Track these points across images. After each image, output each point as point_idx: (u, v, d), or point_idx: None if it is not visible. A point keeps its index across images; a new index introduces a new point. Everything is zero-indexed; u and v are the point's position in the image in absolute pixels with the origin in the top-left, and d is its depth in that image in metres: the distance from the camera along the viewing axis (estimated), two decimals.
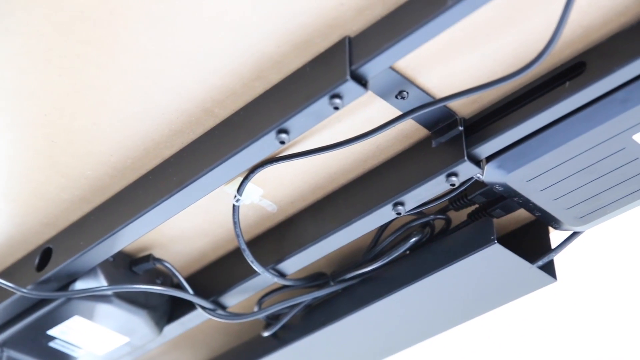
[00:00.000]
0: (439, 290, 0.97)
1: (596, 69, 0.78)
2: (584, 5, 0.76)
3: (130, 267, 1.03)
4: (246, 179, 0.90)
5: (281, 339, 1.08)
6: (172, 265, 1.02)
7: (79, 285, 1.00)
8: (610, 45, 0.78)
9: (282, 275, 0.99)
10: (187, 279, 1.05)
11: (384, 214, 0.90)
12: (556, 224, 0.92)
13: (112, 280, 1.01)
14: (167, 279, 1.05)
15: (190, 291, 1.02)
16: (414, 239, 0.96)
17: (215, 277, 1.05)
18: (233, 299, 1.03)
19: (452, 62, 0.81)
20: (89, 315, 1.03)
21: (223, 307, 1.04)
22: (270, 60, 0.81)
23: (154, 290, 1.02)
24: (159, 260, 1.02)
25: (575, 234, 0.94)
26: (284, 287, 1.03)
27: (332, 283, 1.02)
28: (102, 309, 1.02)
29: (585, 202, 0.89)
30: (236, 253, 1.03)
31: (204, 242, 1.04)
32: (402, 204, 0.89)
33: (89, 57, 0.82)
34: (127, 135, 0.90)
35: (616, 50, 0.78)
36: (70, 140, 0.90)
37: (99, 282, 1.00)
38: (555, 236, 0.96)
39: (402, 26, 0.74)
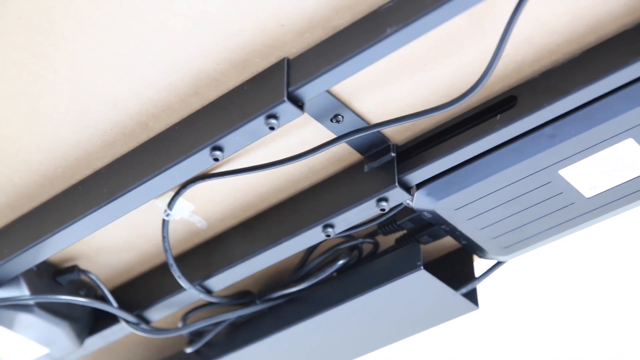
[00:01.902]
0: (364, 313, 0.98)
1: (527, 103, 0.80)
2: (518, 41, 0.78)
3: (54, 277, 1.01)
4: (177, 194, 0.90)
5: (204, 356, 1.07)
6: (97, 277, 1.01)
7: (0, 293, 0.98)
8: (541, 82, 0.80)
9: (208, 292, 0.99)
10: (112, 292, 1.04)
11: (313, 235, 0.91)
12: (481, 252, 0.94)
13: (34, 290, 0.99)
14: (92, 290, 1.04)
15: (114, 304, 1.01)
16: (341, 262, 0.97)
17: (141, 291, 1.04)
18: (157, 313, 1.02)
19: (388, 89, 0.82)
20: (9, 325, 1.01)
21: (147, 322, 1.03)
22: (208, 77, 0.82)
23: (77, 301, 1.01)
24: (84, 272, 1.01)
25: (498, 264, 0.96)
26: (210, 304, 1.03)
27: (257, 302, 1.02)
28: (23, 318, 1.01)
29: (511, 232, 0.90)
30: (163, 268, 1.03)
31: (131, 255, 1.03)
32: (332, 226, 0.90)
33: (24, 63, 0.81)
34: (59, 145, 0.89)
35: (547, 86, 0.80)
36: (0, 147, 0.89)
37: (21, 291, 0.99)
38: (480, 264, 0.98)
39: (340, 51, 0.75)
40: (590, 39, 0.78)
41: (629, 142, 0.80)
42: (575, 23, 0.77)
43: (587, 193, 0.86)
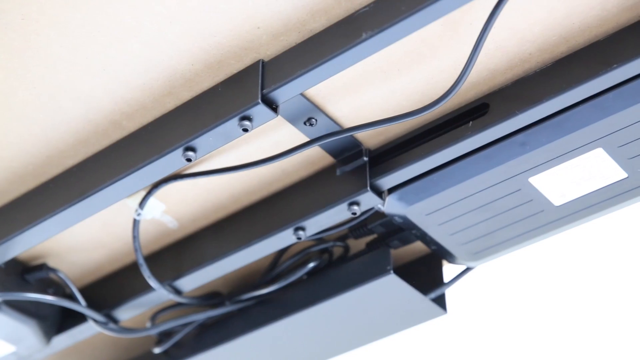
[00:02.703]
0: (334, 316, 0.98)
1: (499, 111, 0.81)
2: (492, 49, 0.79)
3: (23, 275, 1.01)
4: (149, 193, 0.90)
5: (172, 356, 1.07)
6: (65, 276, 1.00)
7: None
8: (513, 90, 0.81)
9: (178, 292, 0.99)
10: (81, 290, 1.04)
11: (284, 238, 0.91)
12: (450, 258, 0.95)
13: (1, 287, 0.99)
14: (60, 289, 1.03)
15: (83, 303, 1.01)
16: (312, 265, 0.97)
17: (110, 290, 1.04)
18: (126, 313, 1.02)
19: (362, 93, 0.83)
20: None
21: (115, 321, 1.03)
22: (182, 78, 0.82)
23: (45, 300, 1.00)
24: (53, 270, 1.00)
25: (467, 269, 0.97)
26: (179, 304, 1.03)
27: (227, 303, 1.02)
28: None
29: (480, 239, 0.91)
30: (133, 267, 1.02)
31: (101, 253, 1.02)
32: (303, 229, 0.90)
33: None
34: (31, 142, 0.88)
35: (519, 94, 0.80)
36: None
37: None
38: (449, 270, 0.99)
39: (316, 55, 0.75)
40: (563, 49, 0.79)
41: (599, 152, 0.81)
42: (547, 33, 0.78)
43: (557, 201, 0.87)
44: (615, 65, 0.75)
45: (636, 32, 0.75)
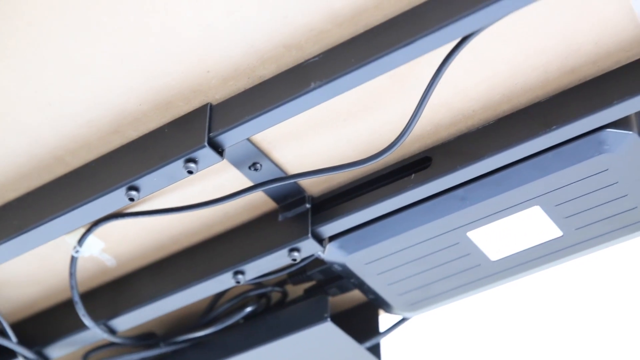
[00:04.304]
0: None
1: (441, 165, 0.82)
2: (436, 104, 0.81)
3: None
4: (89, 231, 0.89)
5: None
6: None
7: None
8: (456, 145, 0.83)
9: (112, 331, 0.98)
10: (13, 326, 1.02)
11: (223, 281, 0.91)
12: (387, 307, 0.96)
13: None
14: None
15: (14, 339, 0.99)
16: (249, 309, 0.97)
17: (43, 327, 1.02)
18: (58, 351, 1.00)
19: (308, 141, 0.84)
20: None
21: (46, 359, 1.01)
22: (129, 117, 0.82)
23: None
24: None
25: (403, 320, 0.98)
26: (113, 344, 1.01)
27: (162, 344, 1.01)
28: None
29: (417, 290, 0.92)
30: (68, 304, 1.01)
31: (35, 289, 1.01)
32: (242, 272, 0.90)
33: None
34: None
35: (461, 150, 0.82)
36: None
37: None
38: (385, 319, 0.99)
39: (264, 101, 0.76)
40: (505, 108, 0.81)
41: (536, 210, 0.83)
42: (491, 91, 0.80)
43: (493, 256, 0.88)
44: (555, 127, 0.77)
45: (576, 95, 0.78)
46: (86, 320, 0.94)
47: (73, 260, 0.91)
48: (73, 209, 0.83)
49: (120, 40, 0.75)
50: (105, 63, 0.77)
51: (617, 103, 0.75)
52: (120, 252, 0.96)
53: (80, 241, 0.90)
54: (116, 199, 0.82)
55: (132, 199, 0.81)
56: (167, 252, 0.97)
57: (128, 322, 0.97)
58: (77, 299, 0.93)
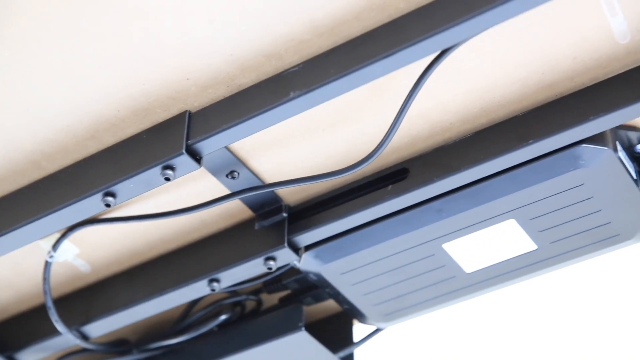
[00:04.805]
0: None
1: (418, 177, 0.83)
2: (414, 116, 0.81)
3: None
4: (64, 236, 0.89)
5: None
6: None
7: None
8: (433, 157, 0.83)
9: (85, 337, 0.97)
10: None
11: (198, 289, 0.91)
12: (362, 318, 0.96)
13: None
14: None
15: None
16: (223, 317, 0.97)
17: (15, 332, 1.01)
18: (30, 356, 1.00)
19: (286, 150, 0.84)
20: None
21: None
22: (107, 122, 0.81)
23: None
24: None
25: (377, 330, 0.98)
26: (85, 350, 1.01)
27: (135, 351, 1.00)
28: None
29: (392, 300, 0.92)
30: (40, 309, 1.00)
31: (8, 294, 1.00)
32: (217, 280, 0.90)
33: None
34: None
35: (438, 162, 0.82)
36: None
37: None
38: (359, 329, 0.99)
39: (242, 110, 0.76)
40: (483, 121, 0.82)
41: (511, 223, 0.84)
42: (469, 105, 0.80)
43: (468, 268, 0.89)
44: (531, 141, 0.78)
45: (553, 110, 0.79)
46: (59, 326, 0.94)
47: (47, 265, 0.91)
48: (48, 214, 0.82)
49: (99, 46, 0.75)
50: (84, 69, 0.77)
51: (593, 119, 0.76)
52: (95, 258, 0.96)
53: (55, 246, 0.89)
54: (92, 205, 0.81)
55: (108, 205, 0.81)
56: (142, 259, 0.97)
57: (101, 328, 0.96)
58: (50, 304, 0.92)
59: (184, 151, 0.77)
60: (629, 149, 0.82)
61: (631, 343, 1.19)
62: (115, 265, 0.97)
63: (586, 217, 0.83)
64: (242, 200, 0.88)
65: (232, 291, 0.96)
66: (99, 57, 0.76)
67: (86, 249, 0.95)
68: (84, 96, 0.79)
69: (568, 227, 0.84)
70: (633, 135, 0.82)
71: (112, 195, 0.80)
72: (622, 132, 0.81)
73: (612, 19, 0.72)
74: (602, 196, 0.81)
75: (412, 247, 0.87)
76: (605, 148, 0.78)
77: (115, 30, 0.74)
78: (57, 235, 0.89)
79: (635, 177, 0.81)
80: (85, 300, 0.98)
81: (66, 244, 0.92)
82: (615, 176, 0.80)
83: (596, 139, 0.78)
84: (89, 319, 0.95)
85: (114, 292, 0.97)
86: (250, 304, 0.99)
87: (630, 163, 0.81)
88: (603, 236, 0.85)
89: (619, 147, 0.79)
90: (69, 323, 0.95)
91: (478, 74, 0.77)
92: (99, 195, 0.80)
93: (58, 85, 0.78)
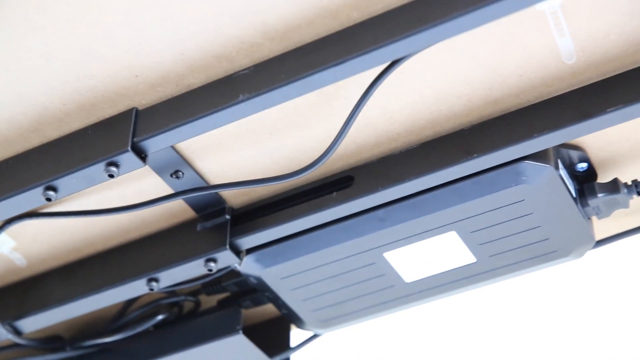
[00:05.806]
0: None
1: (363, 185, 0.83)
2: (362, 124, 0.81)
3: None
4: (1, 228, 0.87)
5: None
6: None
7: None
8: (379, 166, 0.84)
9: (17, 332, 0.95)
10: None
11: (136, 287, 0.90)
12: (300, 323, 0.96)
13: None
14: None
15: None
16: (160, 317, 0.96)
17: None
18: None
19: (231, 152, 0.84)
20: None
21: None
22: (52, 116, 0.80)
23: None
24: None
25: (315, 336, 0.98)
26: (17, 345, 0.99)
27: (68, 348, 0.99)
28: None
29: (330, 307, 0.93)
30: None
31: None
32: (156, 280, 0.89)
33: None
34: None
35: (383, 171, 0.83)
36: None
37: None
38: (296, 334, 1.00)
39: (191, 110, 0.76)
40: (429, 133, 0.82)
41: (452, 235, 0.85)
42: (416, 116, 0.81)
43: (407, 278, 0.89)
44: (475, 155, 0.79)
45: (498, 126, 0.80)
46: None
47: None
48: None
49: (47, 38, 0.74)
50: (30, 60, 0.76)
51: (537, 136, 0.77)
52: (32, 252, 0.95)
53: None
54: (32, 198, 0.80)
55: (49, 199, 0.80)
56: (80, 255, 0.95)
57: (35, 324, 0.94)
58: None
59: (129, 148, 0.76)
60: (570, 167, 0.84)
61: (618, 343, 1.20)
62: (52, 261, 0.96)
63: (525, 232, 0.84)
64: (186, 200, 0.88)
65: (170, 291, 0.95)
66: (45, 49, 0.75)
67: (23, 242, 0.93)
68: (28, 88, 0.78)
69: (507, 242, 0.85)
70: (574, 154, 0.83)
71: (54, 189, 0.79)
72: (564, 151, 0.83)
73: (559, 39, 0.74)
74: (542, 212, 0.82)
75: (353, 255, 0.87)
76: (547, 165, 0.80)
77: (64, 23, 0.73)
78: None
79: (574, 195, 0.83)
80: (19, 294, 0.97)
81: (3, 236, 0.90)
82: (555, 193, 0.81)
83: (539, 156, 0.80)
84: (22, 314, 0.94)
85: (50, 287, 0.95)
86: (188, 305, 0.98)
87: (570, 181, 0.83)
88: (541, 252, 0.86)
89: (560, 165, 0.81)
90: (1, 317, 0.93)
91: (426, 87, 0.78)
92: (40, 189, 0.79)
93: (1, 75, 0.77)
